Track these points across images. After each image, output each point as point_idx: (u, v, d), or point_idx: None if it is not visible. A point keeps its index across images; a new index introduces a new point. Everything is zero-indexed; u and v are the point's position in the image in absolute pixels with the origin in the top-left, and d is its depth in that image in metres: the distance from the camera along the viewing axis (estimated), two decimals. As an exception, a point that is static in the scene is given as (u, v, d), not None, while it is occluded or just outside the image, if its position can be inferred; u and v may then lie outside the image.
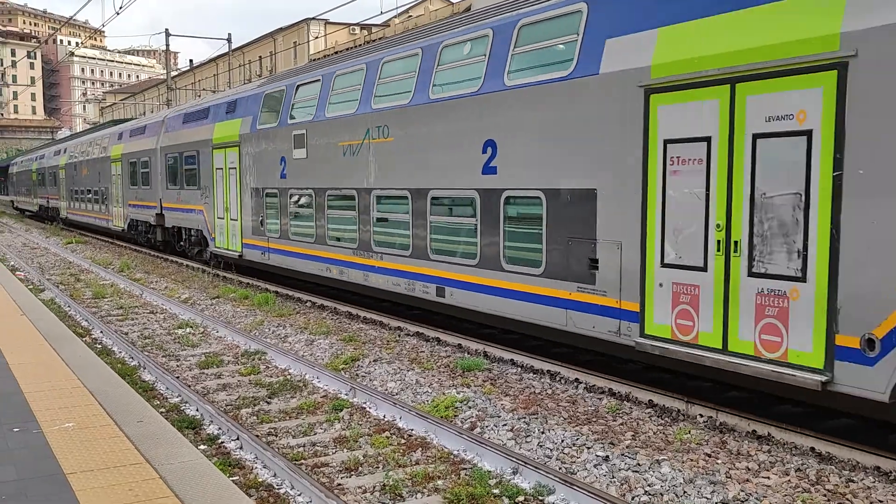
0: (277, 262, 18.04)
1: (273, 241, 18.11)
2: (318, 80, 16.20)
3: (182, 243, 25.20)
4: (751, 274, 7.96)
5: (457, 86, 12.14)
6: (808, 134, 7.42)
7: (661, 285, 8.91)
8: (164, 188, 25.39)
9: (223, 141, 20.38)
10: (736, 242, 8.06)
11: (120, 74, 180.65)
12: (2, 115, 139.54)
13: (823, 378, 7.32)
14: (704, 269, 8.41)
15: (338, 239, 15.51)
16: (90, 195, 35.95)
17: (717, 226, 8.24)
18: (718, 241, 8.25)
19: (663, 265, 8.85)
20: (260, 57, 77.61)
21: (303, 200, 16.78)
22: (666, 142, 8.75)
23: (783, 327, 7.69)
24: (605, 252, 9.64)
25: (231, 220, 20.35)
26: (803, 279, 7.52)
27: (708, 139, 8.29)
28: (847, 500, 6.64)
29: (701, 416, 8.70)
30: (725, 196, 8.16)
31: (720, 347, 8.29)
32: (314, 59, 43.46)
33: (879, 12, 6.94)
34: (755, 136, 7.85)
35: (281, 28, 74.16)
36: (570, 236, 10.12)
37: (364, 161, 14.43)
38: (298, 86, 17.02)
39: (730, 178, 8.11)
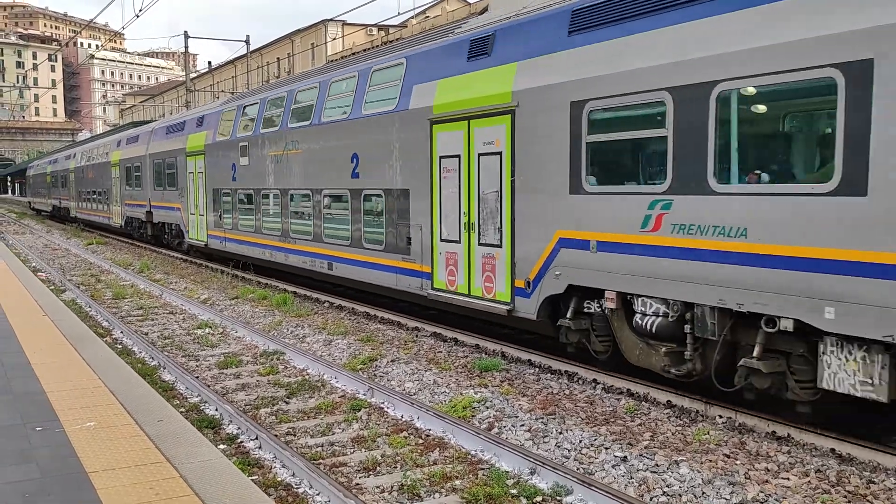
0: (232, 249, 22.33)
1: (228, 232, 22.39)
2: (257, 103, 20.36)
3: (166, 236, 29.43)
4: (479, 244, 11.95)
5: (337, 112, 16.14)
6: (500, 154, 11.41)
7: (441, 254, 12.93)
8: (152, 189, 29.40)
9: (193, 150, 24.57)
10: (472, 223, 12.04)
11: (139, 77, 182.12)
12: (23, 117, 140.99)
13: (509, 307, 11.29)
14: (459, 242, 12.44)
15: (270, 229, 19.61)
16: (95, 196, 40.44)
17: (464, 213, 12.22)
18: (464, 223, 12.25)
19: (441, 240, 12.90)
20: (278, 58, 77.97)
21: (246, 199, 20.96)
22: (440, 157, 12.78)
23: (493, 277, 11.65)
24: (415, 233, 13.61)
25: (199, 215, 24.58)
26: (501, 246, 11.53)
27: (458, 156, 12.30)
28: (868, 501, 6.59)
29: (720, 416, 8.66)
30: (467, 193, 12.16)
31: (467, 293, 12.30)
32: (332, 60, 43.69)
33: (529, 80, 10.92)
34: (479, 154, 11.88)
35: (299, 29, 74.54)
36: (398, 222, 14.09)
37: (285, 168, 18.54)
38: (245, 106, 21.24)
39: (469, 182, 12.12)
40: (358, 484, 7.20)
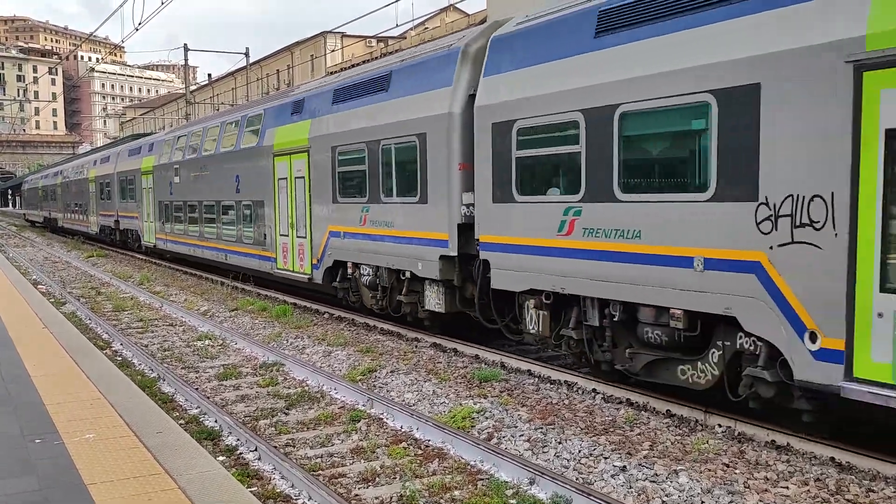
0: (171, 248, 28.23)
1: (168, 235, 28.27)
2: (185, 135, 26.40)
3: (129, 240, 35.15)
4: (297, 236, 17.46)
5: (229, 144, 21.92)
6: (304, 178, 17.05)
7: (279, 244, 18.62)
8: (119, 202, 35.33)
9: (146, 169, 30.58)
10: (293, 223, 17.55)
11: (140, 89, 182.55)
12: (24, 130, 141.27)
13: (309, 276, 16.94)
14: (287, 235, 17.98)
15: (193, 232, 25.50)
16: (77, 207, 46.65)
17: (289, 216, 17.85)
18: (290, 223, 17.72)
19: (280, 234, 18.44)
20: (277, 70, 78.21)
21: (178, 209, 26.84)
22: (278, 179, 18.36)
23: (303, 257, 17.32)
24: (267, 230, 19.30)
25: (150, 222, 30.57)
26: (306, 237, 17.19)
27: (286, 178, 17.91)
28: (867, 510, 6.59)
29: (719, 425, 8.66)
30: (291, 203, 17.73)
31: (291, 269, 18.18)
32: (331, 72, 43.91)
33: (315, 131, 16.47)
34: (295, 178, 17.52)
35: (298, 42, 74.78)
36: (259, 224, 19.87)
37: (199, 185, 24.46)
38: (178, 136, 27.37)
39: (291, 195, 17.77)
40: (357, 495, 7.19)
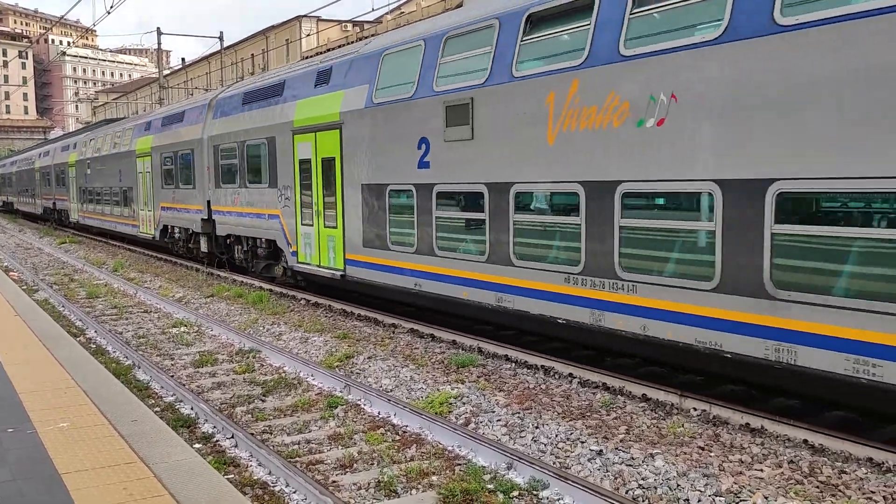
0: (86, 222, 37.01)
1: (85, 213, 37.07)
2: (93, 138, 35.51)
3: (62, 218, 42.95)
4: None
5: (113, 147, 31.12)
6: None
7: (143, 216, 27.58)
8: (56, 187, 43.95)
9: (71, 162, 39.48)
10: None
11: (112, 74, 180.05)
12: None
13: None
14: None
15: (98, 209, 34.35)
16: (26, 192, 55.87)
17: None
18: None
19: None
20: (252, 55, 77.43)
21: (89, 192, 35.80)
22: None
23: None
24: (136, 207, 28.90)
25: (74, 203, 39.81)
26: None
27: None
28: (840, 491, 6.68)
29: (695, 409, 8.73)
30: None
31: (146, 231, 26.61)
32: (306, 57, 43.65)
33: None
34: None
35: (273, 26, 74.00)
36: (130, 203, 29.49)
37: (101, 175, 33.55)
38: (89, 139, 36.47)
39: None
40: (335, 481, 7.19)
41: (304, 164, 16.49)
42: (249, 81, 21.62)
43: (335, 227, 15.54)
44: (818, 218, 7.70)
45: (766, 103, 7.82)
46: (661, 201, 9.19)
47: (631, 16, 9.21)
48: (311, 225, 16.39)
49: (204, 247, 22.44)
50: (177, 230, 24.91)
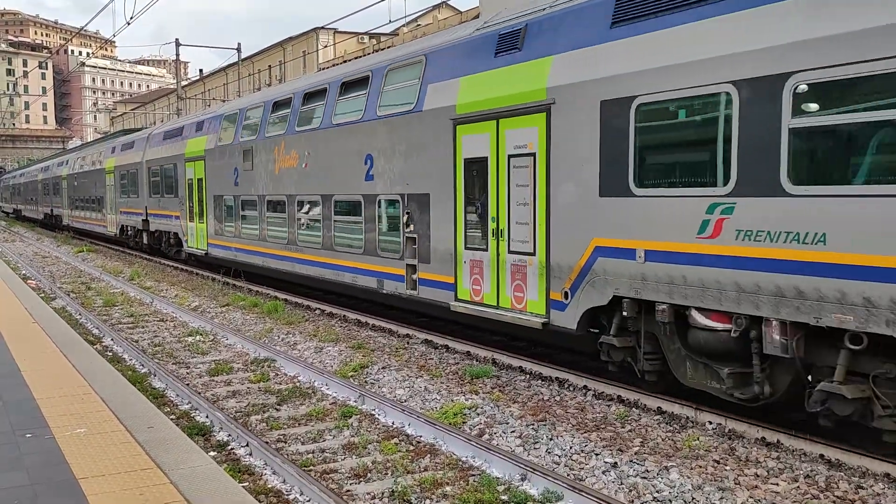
0: (73, 225, 45.34)
1: (73, 217, 45.06)
2: (69, 161, 46.64)
3: (58, 224, 50.86)
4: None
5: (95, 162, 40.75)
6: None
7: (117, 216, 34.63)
8: (52, 197, 53.08)
9: (63, 176, 47.67)
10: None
11: (130, 84, 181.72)
12: (14, 125, 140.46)
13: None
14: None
15: (84, 215, 41.58)
16: (31, 201, 64.81)
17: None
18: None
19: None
20: (269, 66, 77.97)
21: (75, 202, 44.43)
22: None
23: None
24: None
25: (67, 211, 47.34)
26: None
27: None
28: (856, 506, 6.63)
29: (710, 422, 8.70)
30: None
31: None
32: (323, 69, 43.94)
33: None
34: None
35: (290, 37, 74.53)
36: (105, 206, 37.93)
37: (80, 189, 42.70)
38: (66, 159, 46.00)
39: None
40: (349, 490, 7.20)
41: (189, 182, 24.35)
42: (170, 123, 30.96)
43: (203, 223, 23.51)
44: None
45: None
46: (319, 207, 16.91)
47: (300, 111, 17.53)
48: (193, 223, 24.42)
49: (144, 239, 30.80)
50: (129, 228, 33.02)
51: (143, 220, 29.97)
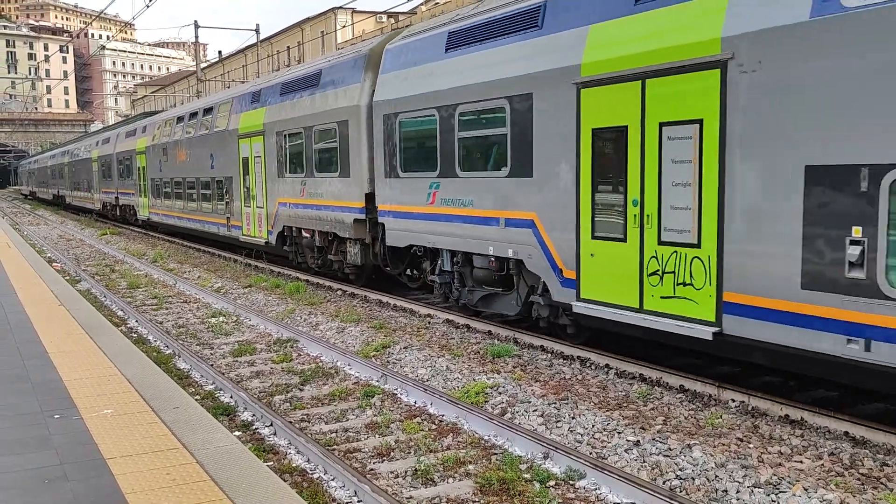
0: (71, 202, 54.81)
1: (69, 197, 55.75)
2: (53, 155, 64.02)
3: (62, 202, 59.80)
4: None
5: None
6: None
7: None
8: (51, 180, 65.31)
9: (53, 165, 63.56)
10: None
11: (150, 67, 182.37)
12: (36, 108, 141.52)
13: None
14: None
15: (75, 193, 52.79)
16: (42, 184, 74.69)
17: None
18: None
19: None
20: (288, 47, 77.91)
21: (41, 183, 73.14)
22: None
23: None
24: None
25: (68, 191, 56.42)
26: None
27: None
28: (882, 483, 6.60)
29: (733, 400, 8.67)
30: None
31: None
32: (341, 48, 43.83)
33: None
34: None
35: (308, 18, 74.37)
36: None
37: (65, 175, 56.79)
38: (53, 154, 64.05)
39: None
40: (372, 469, 7.26)
41: (139, 169, 33.73)
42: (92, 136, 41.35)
43: (145, 198, 32.56)
44: None
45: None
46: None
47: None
48: (141, 197, 33.38)
49: (99, 207, 45.49)
50: (107, 204, 42.09)
51: (114, 197, 39.19)
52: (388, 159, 14.26)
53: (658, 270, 9.00)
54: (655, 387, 9.40)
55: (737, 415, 8.32)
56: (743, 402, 8.58)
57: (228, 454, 5.79)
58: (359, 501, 6.57)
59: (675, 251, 8.77)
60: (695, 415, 8.39)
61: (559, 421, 8.34)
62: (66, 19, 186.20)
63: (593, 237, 9.88)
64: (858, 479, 6.68)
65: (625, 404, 8.84)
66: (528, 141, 10.85)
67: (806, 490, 6.41)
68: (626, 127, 9.24)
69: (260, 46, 58.74)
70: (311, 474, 7.19)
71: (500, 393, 9.31)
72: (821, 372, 7.72)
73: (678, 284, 8.78)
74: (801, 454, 7.24)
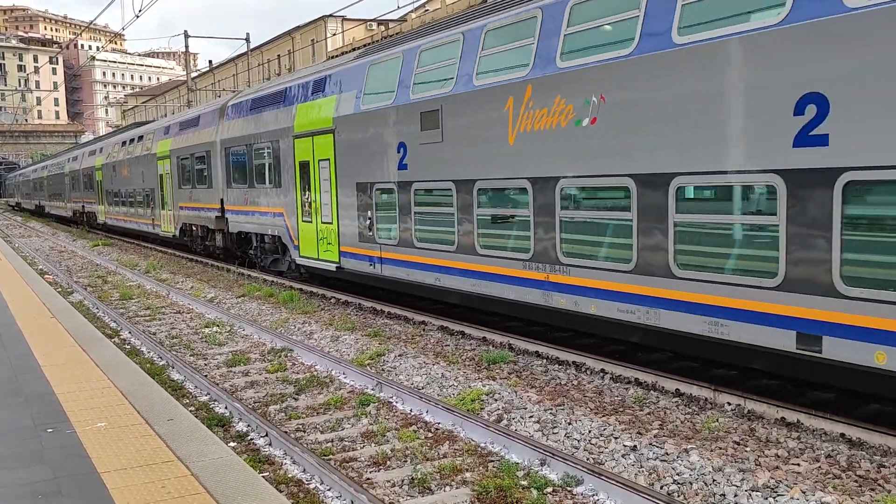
0: (48, 211, 61.33)
1: (47, 205, 61.63)
2: (44, 166, 65.66)
3: (43, 211, 64.08)
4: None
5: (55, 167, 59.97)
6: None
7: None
8: (33, 192, 70.49)
9: (36, 179, 69.63)
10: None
11: (140, 77, 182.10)
12: (26, 120, 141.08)
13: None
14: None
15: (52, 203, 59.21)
16: (27, 196, 77.08)
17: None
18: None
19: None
20: (278, 55, 77.89)
21: (28, 194, 76.75)
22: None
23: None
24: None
25: (50, 202, 60.83)
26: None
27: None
28: (879, 485, 6.59)
29: (729, 404, 8.66)
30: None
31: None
32: (332, 57, 43.88)
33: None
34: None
35: (298, 26, 74.35)
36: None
37: (47, 188, 61.82)
38: (36, 167, 69.96)
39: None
40: (368, 478, 7.22)
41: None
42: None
43: (101, 205, 39.83)
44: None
45: None
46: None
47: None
48: (99, 205, 40.58)
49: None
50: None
51: (81, 205, 47.35)
52: (228, 176, 22.31)
53: (322, 237, 17.04)
54: (651, 391, 9.39)
55: (733, 418, 8.32)
56: (739, 405, 8.57)
57: (224, 466, 5.75)
58: (355, 511, 6.53)
59: (327, 226, 16.83)
60: (691, 419, 8.38)
61: (555, 427, 8.32)
62: (56, 31, 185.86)
63: (301, 220, 17.98)
64: (856, 482, 6.67)
65: (621, 409, 8.83)
66: (278, 166, 18.86)
67: (804, 493, 6.40)
68: (308, 161, 17.40)
69: (250, 55, 58.70)
70: (308, 484, 7.15)
71: (495, 400, 9.29)
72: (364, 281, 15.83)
73: (328, 243, 16.77)
74: (798, 457, 7.23)
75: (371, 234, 14.96)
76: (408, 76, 13.63)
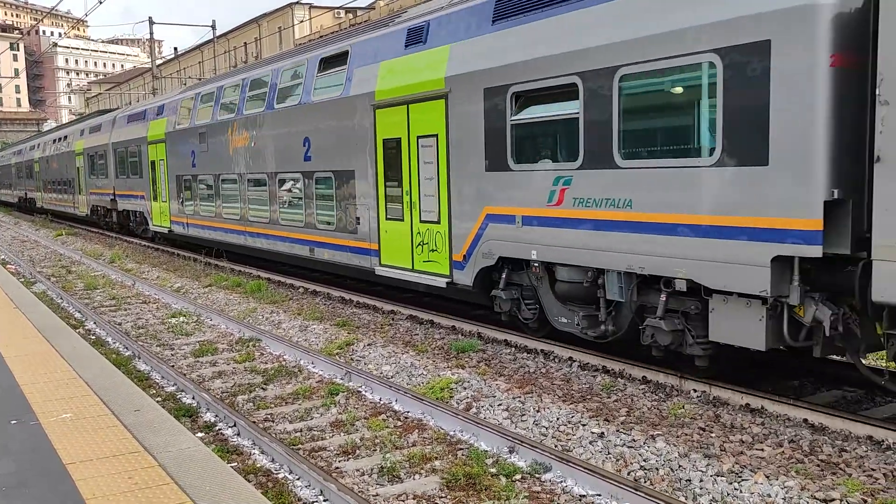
0: (41, 203, 52.18)
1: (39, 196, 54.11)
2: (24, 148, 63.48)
3: (21, 202, 59.25)
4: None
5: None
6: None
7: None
8: (17, 181, 63.89)
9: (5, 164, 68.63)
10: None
11: (105, 64, 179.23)
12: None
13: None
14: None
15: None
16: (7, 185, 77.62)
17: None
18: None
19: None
20: (245, 43, 77.14)
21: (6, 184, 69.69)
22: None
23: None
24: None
25: (38, 193, 51.68)
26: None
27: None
28: (840, 469, 6.72)
29: (694, 391, 8.77)
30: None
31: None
32: (300, 44, 43.52)
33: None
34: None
35: (265, 13, 73.67)
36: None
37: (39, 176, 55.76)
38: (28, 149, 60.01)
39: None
40: (338, 468, 7.21)
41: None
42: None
43: (38, 192, 47.60)
44: None
45: None
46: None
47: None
48: (37, 192, 46.93)
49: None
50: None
51: (24, 193, 53.57)
52: (116, 170, 29.27)
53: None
54: (618, 378, 9.48)
55: (699, 404, 8.43)
56: (704, 391, 8.69)
57: (191, 456, 5.72)
58: (325, 500, 6.53)
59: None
60: (658, 405, 8.48)
61: (524, 415, 8.37)
62: (17, 16, 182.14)
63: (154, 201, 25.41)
64: (818, 466, 6.80)
65: (589, 396, 8.91)
66: (139, 163, 26.88)
67: (767, 477, 6.51)
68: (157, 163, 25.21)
69: (216, 43, 58.07)
70: (276, 474, 7.13)
71: (464, 388, 9.32)
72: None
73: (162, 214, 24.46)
74: (761, 442, 7.35)
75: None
76: None
